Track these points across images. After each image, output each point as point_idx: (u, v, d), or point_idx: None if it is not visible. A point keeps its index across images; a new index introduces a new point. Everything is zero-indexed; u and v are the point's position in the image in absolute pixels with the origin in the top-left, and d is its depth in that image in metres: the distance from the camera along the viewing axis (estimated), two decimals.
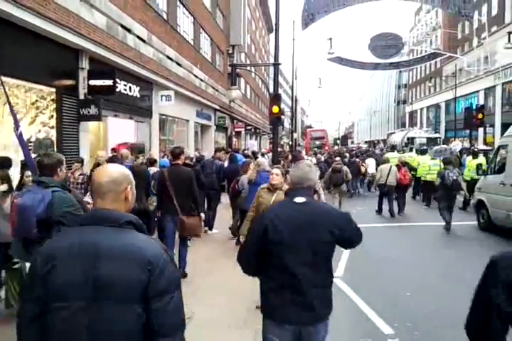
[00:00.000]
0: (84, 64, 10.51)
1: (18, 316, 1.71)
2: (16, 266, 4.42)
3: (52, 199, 3.25)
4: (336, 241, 2.57)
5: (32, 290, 1.64)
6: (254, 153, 17.18)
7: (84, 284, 1.57)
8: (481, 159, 12.34)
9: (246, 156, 13.47)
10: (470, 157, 13.29)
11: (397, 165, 11.99)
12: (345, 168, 11.31)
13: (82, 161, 8.46)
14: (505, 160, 9.06)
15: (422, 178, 13.64)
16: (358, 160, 17.07)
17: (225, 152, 12.81)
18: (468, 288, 2.08)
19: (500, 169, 9.12)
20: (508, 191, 8.55)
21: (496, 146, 11.24)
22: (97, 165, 8.90)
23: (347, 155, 18.45)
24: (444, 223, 9.68)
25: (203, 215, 6.46)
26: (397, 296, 5.62)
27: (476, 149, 14.82)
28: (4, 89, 5.73)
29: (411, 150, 26.10)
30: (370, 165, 16.61)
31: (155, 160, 9.40)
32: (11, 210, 3.71)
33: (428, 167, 13.20)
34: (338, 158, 13.25)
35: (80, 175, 7.95)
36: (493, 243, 8.56)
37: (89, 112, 10.18)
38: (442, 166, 10.38)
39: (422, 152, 15.82)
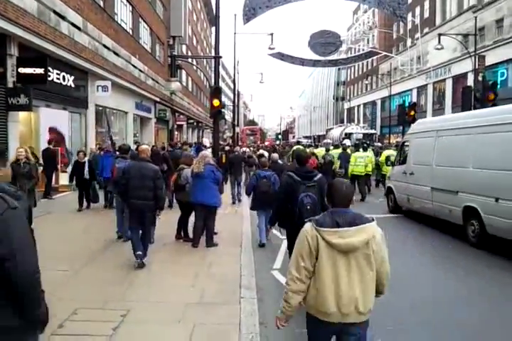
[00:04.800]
0: (13, 50, 9.94)
1: (117, 184, 6.68)
2: None
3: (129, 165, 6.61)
4: None
5: (124, 177, 6.21)
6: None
7: (138, 175, 6.10)
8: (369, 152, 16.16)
9: (199, 149, 14.42)
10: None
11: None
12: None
13: None
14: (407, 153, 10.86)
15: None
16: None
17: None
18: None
19: (404, 161, 10.93)
20: (408, 179, 10.31)
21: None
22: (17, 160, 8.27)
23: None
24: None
25: None
26: None
27: (365, 145, 18.27)
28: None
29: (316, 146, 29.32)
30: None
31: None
32: (112, 169, 8.04)
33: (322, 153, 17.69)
34: (261, 151, 18.07)
35: None
36: (397, 222, 10.09)
37: (18, 102, 9.67)
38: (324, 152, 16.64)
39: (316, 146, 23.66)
